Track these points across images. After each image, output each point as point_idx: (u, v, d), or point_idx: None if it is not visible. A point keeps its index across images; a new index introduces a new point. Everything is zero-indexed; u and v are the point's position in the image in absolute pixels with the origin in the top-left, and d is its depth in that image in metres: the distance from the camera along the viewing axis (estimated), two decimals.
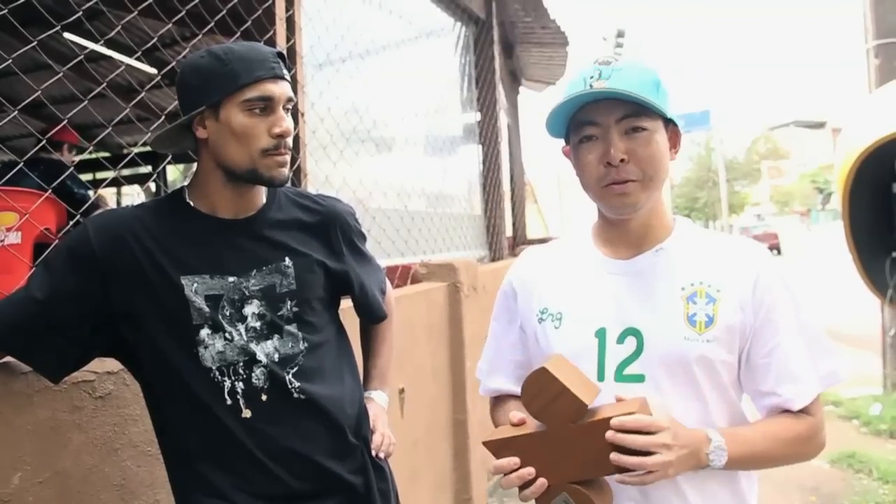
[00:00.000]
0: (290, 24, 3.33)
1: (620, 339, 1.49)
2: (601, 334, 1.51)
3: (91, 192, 4.62)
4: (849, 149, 4.18)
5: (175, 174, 12.58)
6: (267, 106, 1.54)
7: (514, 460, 1.36)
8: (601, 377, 1.48)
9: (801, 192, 77.02)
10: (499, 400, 1.78)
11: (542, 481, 1.34)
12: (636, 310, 1.50)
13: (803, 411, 1.49)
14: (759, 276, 1.48)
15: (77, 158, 4.97)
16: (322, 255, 1.72)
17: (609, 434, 1.28)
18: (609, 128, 1.44)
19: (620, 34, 19.20)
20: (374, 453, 1.76)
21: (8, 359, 1.62)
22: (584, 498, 1.31)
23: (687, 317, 1.46)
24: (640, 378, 1.46)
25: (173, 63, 1.82)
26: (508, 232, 8.20)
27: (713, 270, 1.49)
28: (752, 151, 72.32)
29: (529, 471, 1.35)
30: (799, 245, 39.79)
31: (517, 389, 1.72)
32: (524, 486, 1.36)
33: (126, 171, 9.99)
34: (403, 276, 4.25)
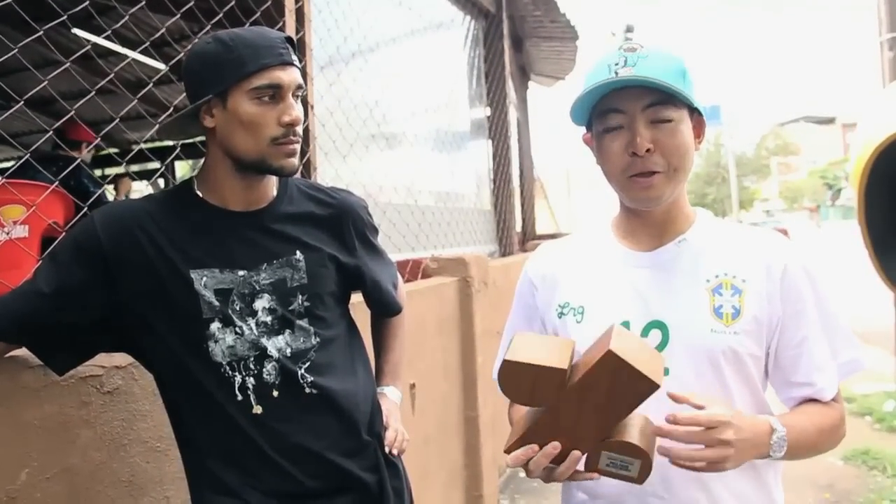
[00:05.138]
0: (300, 15, 3.31)
1: (645, 333, 1.47)
2: (625, 327, 1.47)
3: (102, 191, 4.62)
4: (865, 141, 4.13)
5: (184, 169, 12.58)
6: (275, 94, 1.50)
7: (531, 447, 1.31)
8: None
9: (811, 188, 76.87)
10: None
11: (575, 454, 1.29)
12: (660, 302, 1.47)
13: (829, 404, 1.48)
14: (785, 267, 1.46)
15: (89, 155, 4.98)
16: (334, 249, 1.68)
17: (662, 426, 1.26)
18: (635, 116, 1.41)
19: (629, 29, 19.14)
20: (387, 450, 1.73)
21: (15, 353, 1.60)
22: (624, 445, 1.27)
23: (713, 309, 1.44)
24: (664, 372, 1.41)
25: (180, 55, 1.80)
26: (518, 227, 8.17)
27: (738, 261, 1.47)
28: (761, 147, 72.17)
29: (554, 444, 1.29)
30: (809, 241, 39.69)
31: None
32: (555, 463, 1.31)
33: (135, 167, 10.01)
34: (414, 270, 4.23)
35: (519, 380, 1.27)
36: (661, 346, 1.45)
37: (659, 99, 1.40)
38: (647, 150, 1.39)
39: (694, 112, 1.48)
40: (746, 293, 1.44)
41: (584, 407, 1.27)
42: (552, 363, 1.25)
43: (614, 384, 1.22)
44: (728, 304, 1.44)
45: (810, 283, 1.47)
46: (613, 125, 1.44)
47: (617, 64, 1.41)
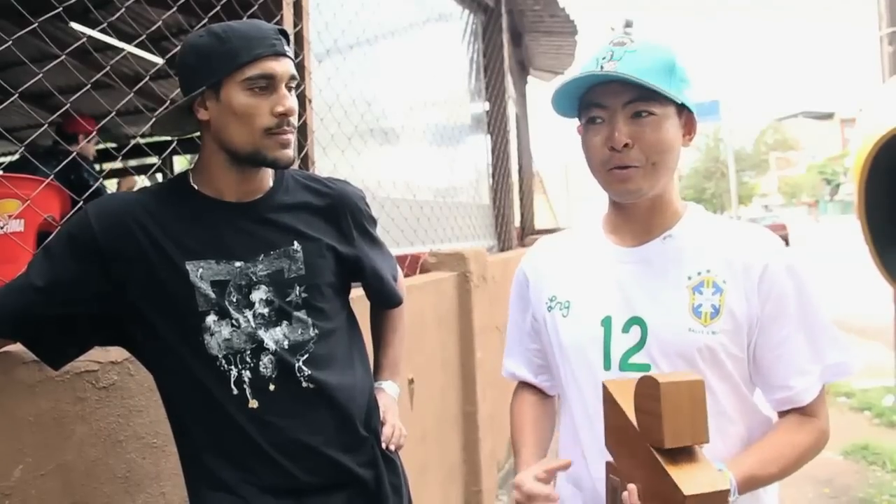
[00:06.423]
0: (298, 9, 3.28)
1: (626, 328, 1.48)
2: (607, 323, 1.50)
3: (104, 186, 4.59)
4: (865, 136, 4.12)
5: (183, 164, 12.56)
6: (269, 84, 1.49)
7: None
8: (607, 366, 1.49)
9: (810, 183, 76.87)
10: (519, 388, 1.80)
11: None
12: (641, 299, 1.48)
13: (810, 410, 1.48)
14: (766, 267, 1.44)
15: (94, 148, 4.94)
16: (332, 239, 1.67)
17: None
18: (616, 111, 1.41)
19: (628, 24, 19.09)
20: (384, 446, 1.72)
21: (9, 348, 1.58)
22: None
23: (692, 308, 1.44)
24: (645, 367, 1.44)
25: (177, 49, 1.78)
26: (517, 222, 8.16)
27: (721, 259, 1.46)
28: (760, 142, 72.22)
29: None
30: (807, 236, 39.74)
31: (532, 378, 1.76)
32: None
33: (133, 162, 9.98)
34: (412, 265, 4.21)
35: (647, 398, 1.23)
36: (641, 343, 1.46)
37: (640, 94, 1.40)
38: (626, 145, 1.40)
39: (683, 109, 1.47)
40: (727, 292, 1.43)
41: (639, 467, 1.27)
42: (667, 433, 1.20)
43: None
44: (708, 303, 1.43)
45: (793, 284, 1.45)
46: (595, 119, 1.45)
47: (604, 58, 1.42)
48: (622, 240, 1.55)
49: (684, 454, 1.23)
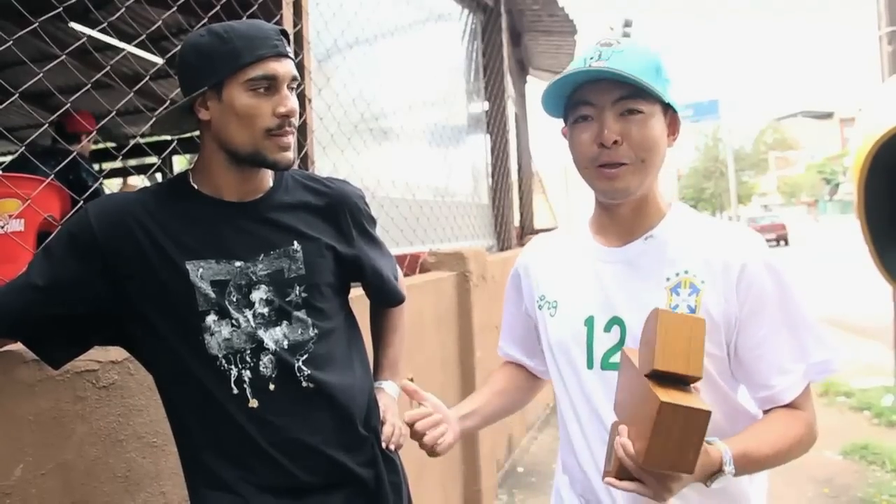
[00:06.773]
0: (297, 8, 3.28)
1: (607, 328, 1.51)
2: (589, 322, 1.53)
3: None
4: (864, 135, 4.13)
5: (182, 164, 12.57)
6: (271, 85, 1.49)
7: None
8: (590, 364, 1.52)
9: (809, 182, 76.92)
10: (506, 362, 1.91)
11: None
12: (621, 299, 1.51)
13: (796, 406, 1.48)
14: (744, 266, 1.45)
15: (91, 147, 4.94)
16: (332, 238, 1.67)
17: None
18: (604, 108, 1.43)
19: (627, 24, 19.10)
20: (384, 445, 1.72)
21: (9, 347, 1.59)
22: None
23: (668, 308, 1.43)
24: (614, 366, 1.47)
25: (177, 49, 1.77)
26: (516, 222, 8.16)
27: (699, 259, 1.47)
28: (759, 142, 72.31)
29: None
30: (807, 236, 39.75)
31: (527, 360, 1.85)
32: None
33: (133, 162, 9.99)
34: (412, 265, 4.21)
35: (648, 328, 1.26)
36: (621, 343, 1.49)
37: (629, 92, 1.42)
38: (615, 142, 1.41)
39: (668, 109, 1.49)
40: (704, 292, 1.45)
41: (636, 393, 1.28)
42: (658, 356, 1.23)
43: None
44: (684, 303, 1.45)
45: (773, 283, 1.46)
46: (584, 116, 1.46)
47: (592, 57, 1.44)
48: (607, 240, 1.58)
49: (676, 382, 1.24)
